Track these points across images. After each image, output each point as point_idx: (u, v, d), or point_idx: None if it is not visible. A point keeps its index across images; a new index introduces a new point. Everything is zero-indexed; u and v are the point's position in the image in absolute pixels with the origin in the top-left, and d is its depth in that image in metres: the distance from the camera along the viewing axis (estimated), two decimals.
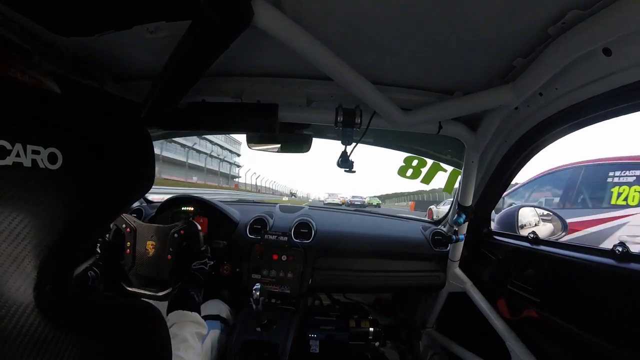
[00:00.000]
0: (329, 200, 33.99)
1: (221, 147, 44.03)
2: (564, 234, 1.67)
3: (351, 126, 1.20)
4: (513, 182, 1.58)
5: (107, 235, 1.44)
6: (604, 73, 0.80)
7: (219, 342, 1.38)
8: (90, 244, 1.16)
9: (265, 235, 1.72)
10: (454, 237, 1.52)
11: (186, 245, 1.36)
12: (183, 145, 30.69)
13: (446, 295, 1.81)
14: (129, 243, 1.41)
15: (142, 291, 1.39)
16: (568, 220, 1.86)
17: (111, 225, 1.43)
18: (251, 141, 1.54)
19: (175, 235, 1.35)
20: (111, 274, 1.39)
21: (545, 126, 1.13)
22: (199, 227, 1.39)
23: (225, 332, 1.44)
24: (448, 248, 1.73)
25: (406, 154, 1.37)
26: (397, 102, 1.12)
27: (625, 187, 3.72)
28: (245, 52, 1.03)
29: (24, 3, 0.75)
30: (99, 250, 1.38)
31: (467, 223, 1.56)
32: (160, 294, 1.36)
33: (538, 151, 1.29)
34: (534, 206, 2.10)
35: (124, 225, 1.42)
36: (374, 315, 2.04)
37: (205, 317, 1.39)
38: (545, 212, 1.79)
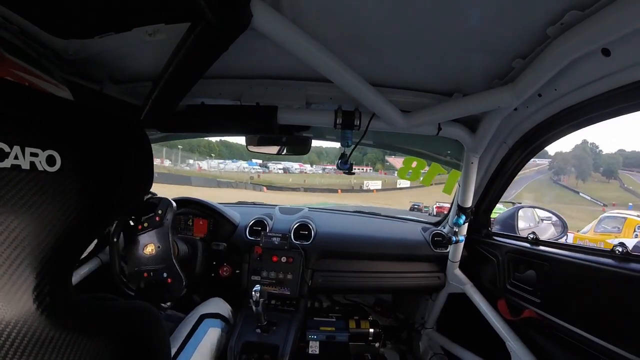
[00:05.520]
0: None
1: None
2: (563, 234, 1.67)
3: (350, 128, 1.20)
4: None
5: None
6: (603, 73, 0.80)
7: (220, 341, 1.38)
8: (88, 245, 1.15)
9: (265, 237, 1.72)
10: (453, 238, 1.53)
11: (185, 265, 1.37)
12: None
13: (446, 295, 1.82)
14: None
15: (129, 291, 1.39)
16: None
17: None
18: (250, 143, 1.55)
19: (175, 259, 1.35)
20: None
21: (544, 127, 1.13)
22: (201, 250, 1.40)
23: (225, 331, 1.44)
24: (448, 249, 1.73)
25: (406, 156, 1.37)
26: (396, 104, 1.12)
27: None
28: (244, 54, 1.03)
29: (23, 5, 0.75)
30: (115, 240, 1.34)
31: (466, 224, 1.56)
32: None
33: (538, 152, 1.29)
34: (534, 207, 2.10)
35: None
36: (374, 316, 2.04)
37: (207, 316, 1.39)
38: (545, 213, 1.79)
